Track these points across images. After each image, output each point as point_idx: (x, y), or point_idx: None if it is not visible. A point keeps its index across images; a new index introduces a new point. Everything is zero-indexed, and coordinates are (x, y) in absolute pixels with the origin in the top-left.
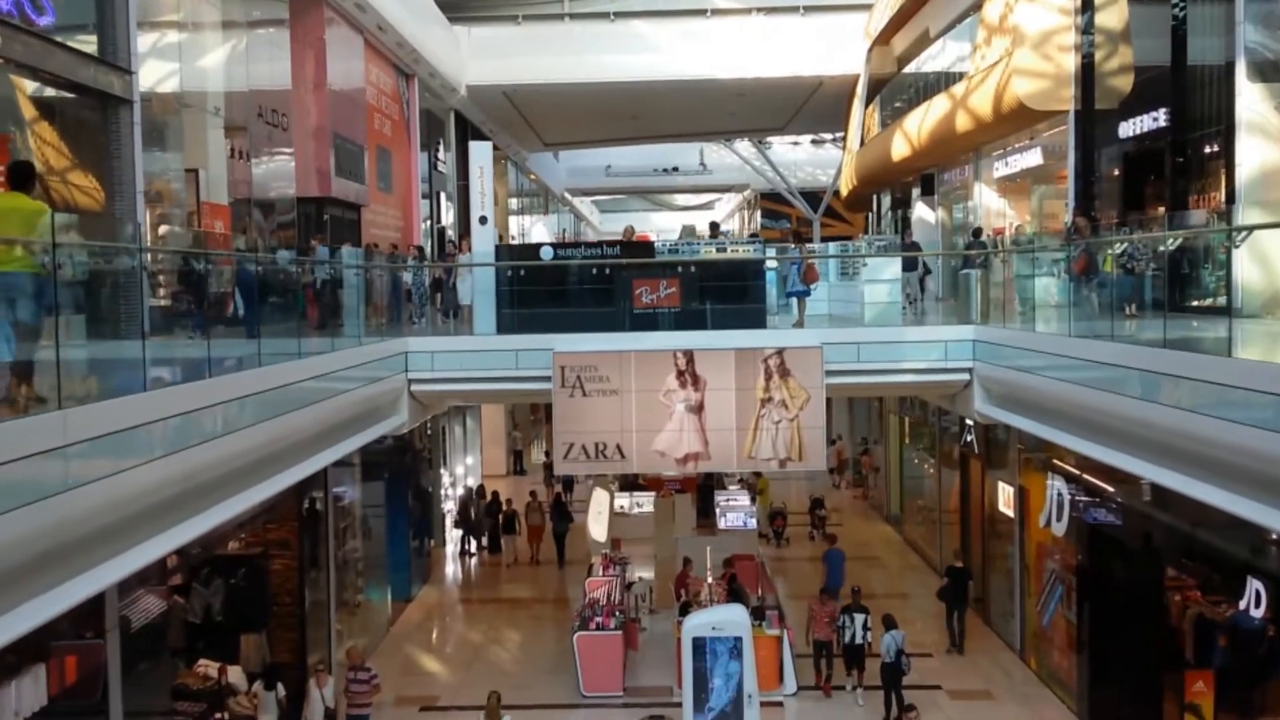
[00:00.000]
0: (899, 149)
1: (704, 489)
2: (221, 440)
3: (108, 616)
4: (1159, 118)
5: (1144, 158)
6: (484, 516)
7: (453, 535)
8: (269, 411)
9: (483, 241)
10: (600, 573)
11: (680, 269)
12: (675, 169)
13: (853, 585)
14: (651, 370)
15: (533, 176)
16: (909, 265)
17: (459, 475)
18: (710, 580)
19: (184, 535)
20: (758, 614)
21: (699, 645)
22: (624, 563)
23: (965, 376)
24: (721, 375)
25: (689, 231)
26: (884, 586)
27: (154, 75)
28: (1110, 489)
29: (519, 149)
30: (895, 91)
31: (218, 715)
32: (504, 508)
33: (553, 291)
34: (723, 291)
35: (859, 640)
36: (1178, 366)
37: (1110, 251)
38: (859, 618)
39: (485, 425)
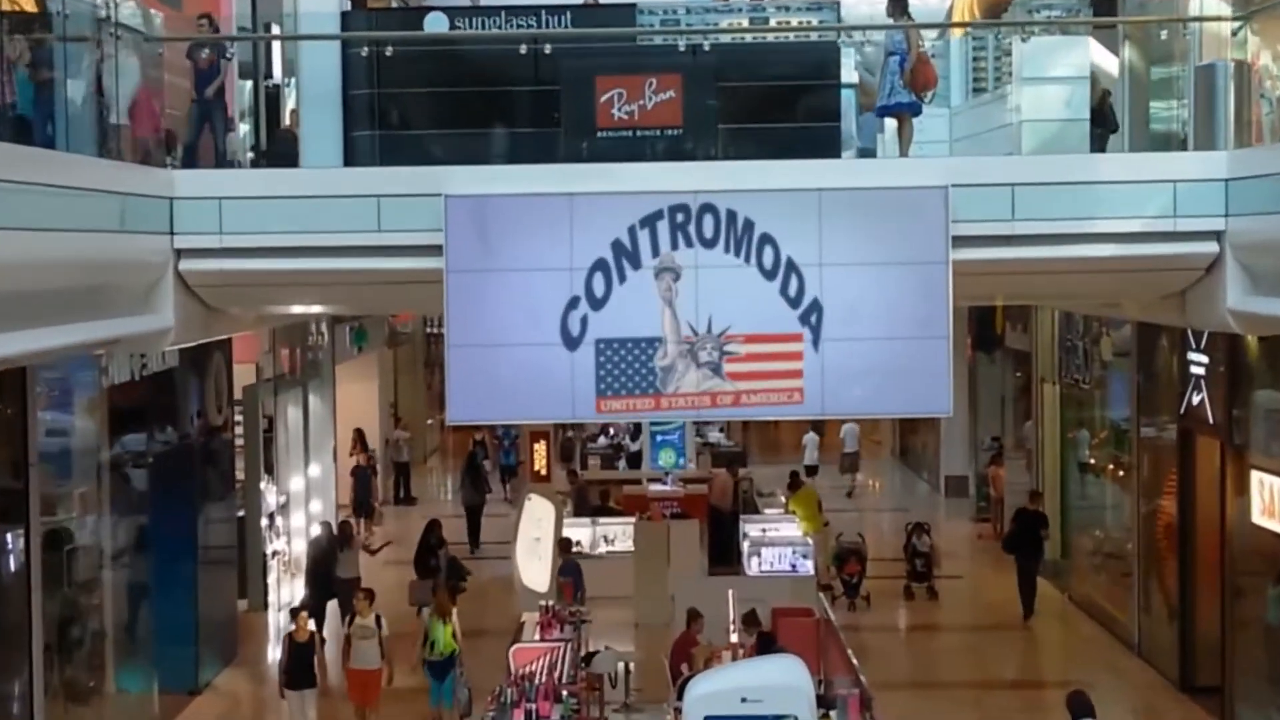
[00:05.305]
0: None
1: (719, 514)
2: None
3: None
4: None
5: None
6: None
7: (279, 598)
8: None
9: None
10: (537, 636)
11: (684, 54)
12: None
13: None
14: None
15: None
16: None
17: (294, 494)
18: (734, 640)
19: None
20: (824, 701)
21: None
22: (581, 620)
23: (1211, 246)
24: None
25: None
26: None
27: None
28: None
29: None
30: None
31: None
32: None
33: (448, 97)
34: (763, 98)
35: None
36: None
37: None
38: None
39: (342, 412)
